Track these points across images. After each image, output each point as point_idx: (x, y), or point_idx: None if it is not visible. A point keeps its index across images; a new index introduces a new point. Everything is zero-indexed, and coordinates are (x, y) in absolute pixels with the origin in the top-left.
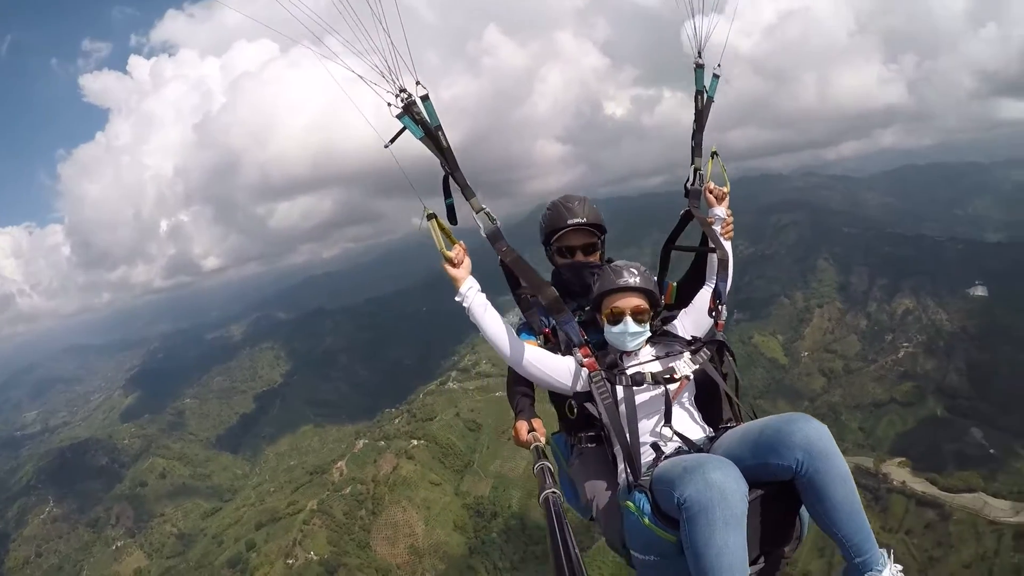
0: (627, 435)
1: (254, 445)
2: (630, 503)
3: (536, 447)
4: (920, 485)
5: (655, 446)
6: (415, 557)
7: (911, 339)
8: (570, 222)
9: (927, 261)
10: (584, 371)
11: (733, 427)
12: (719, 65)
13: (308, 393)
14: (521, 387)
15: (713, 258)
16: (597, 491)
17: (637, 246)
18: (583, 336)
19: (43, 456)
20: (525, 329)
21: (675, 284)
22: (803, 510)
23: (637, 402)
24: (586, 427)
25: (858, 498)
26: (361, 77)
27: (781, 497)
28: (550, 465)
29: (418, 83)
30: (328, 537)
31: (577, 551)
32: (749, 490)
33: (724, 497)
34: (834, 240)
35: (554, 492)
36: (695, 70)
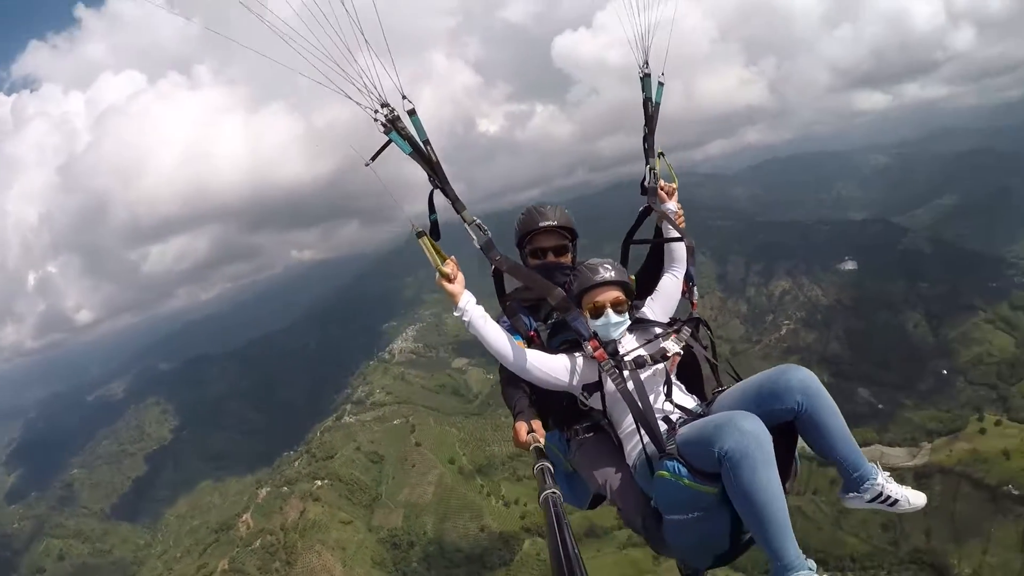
0: (641, 407)
1: (152, 510)
2: (664, 472)
3: (536, 447)
4: None
5: (666, 419)
6: None
7: (791, 316)
8: (542, 224)
9: (798, 244)
10: (580, 363)
11: (722, 391)
12: (663, 74)
13: (201, 447)
14: (521, 387)
15: (671, 248)
16: (608, 476)
17: (516, 259)
18: (591, 330)
19: None
20: (511, 333)
21: (633, 276)
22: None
23: (647, 390)
24: (580, 419)
25: (847, 427)
26: (357, 103)
27: (781, 440)
28: (550, 465)
29: (404, 96)
30: None
31: (577, 551)
32: None
33: (759, 441)
34: (708, 234)
35: (554, 492)
36: (641, 79)
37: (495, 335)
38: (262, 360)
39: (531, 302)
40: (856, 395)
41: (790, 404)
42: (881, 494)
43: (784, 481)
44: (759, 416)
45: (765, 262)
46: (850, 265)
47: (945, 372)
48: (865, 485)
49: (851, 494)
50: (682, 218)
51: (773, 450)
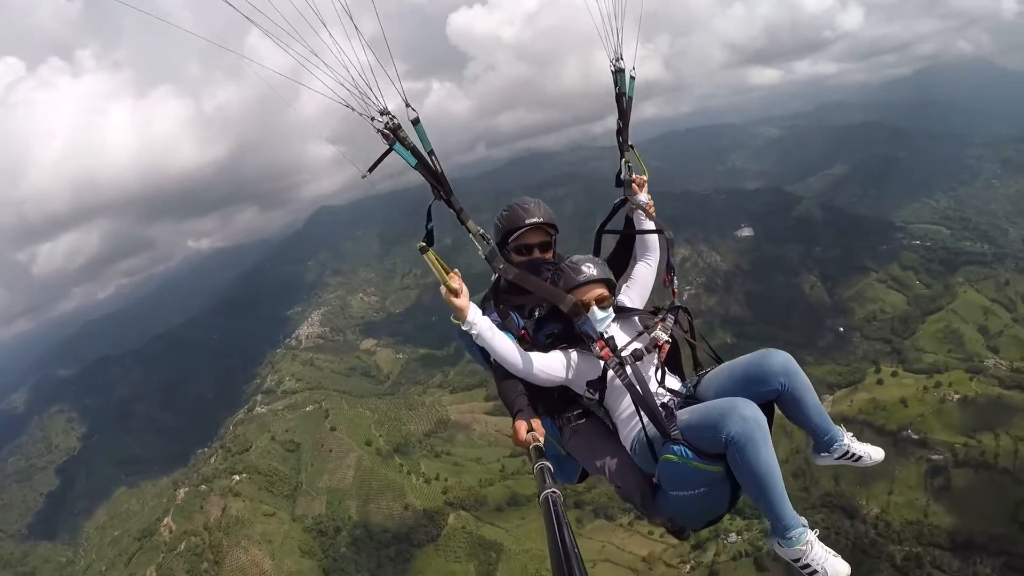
0: (646, 399)
1: (70, 525)
2: (671, 455)
3: (535, 447)
4: None
5: (662, 405)
6: None
7: (692, 282)
8: (528, 221)
9: (696, 213)
10: (575, 358)
11: (706, 373)
12: (634, 68)
13: (112, 453)
14: (520, 387)
15: (643, 237)
16: (606, 459)
17: (421, 235)
18: (599, 331)
19: None
20: (501, 330)
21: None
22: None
23: (642, 373)
24: (570, 406)
25: (817, 398)
26: (354, 110)
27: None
28: (549, 465)
29: (408, 104)
30: None
31: (577, 550)
32: None
33: (759, 424)
34: (610, 205)
35: (554, 492)
36: (614, 74)
37: (503, 344)
38: (166, 356)
39: (517, 303)
40: None
41: (775, 386)
42: (847, 452)
43: None
44: (747, 397)
45: None
46: (747, 232)
47: (842, 329)
48: (834, 446)
49: (822, 454)
50: (653, 208)
51: (768, 428)
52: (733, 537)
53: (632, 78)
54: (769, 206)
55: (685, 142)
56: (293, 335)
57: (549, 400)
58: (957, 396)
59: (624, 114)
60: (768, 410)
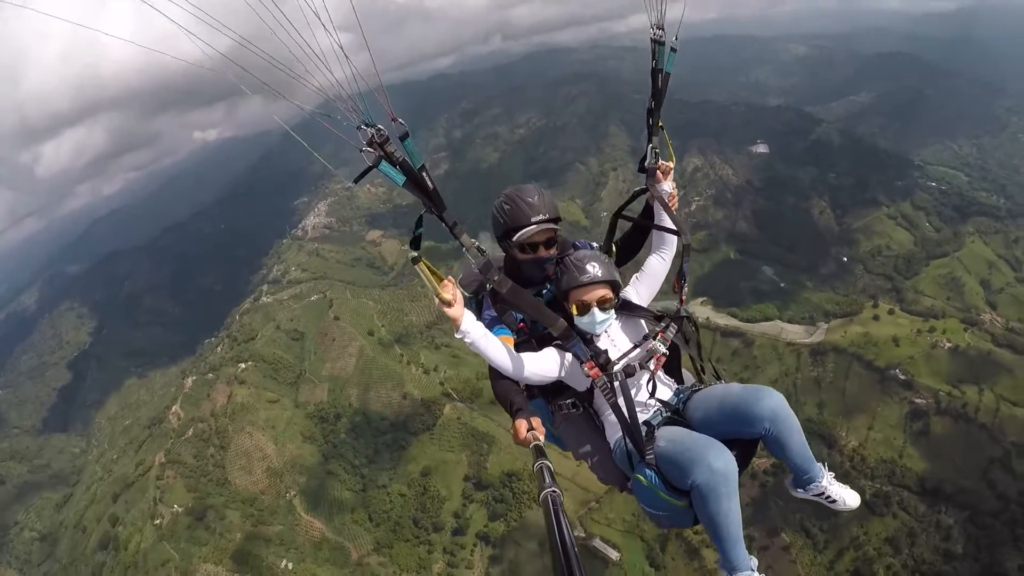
0: (629, 421)
1: (83, 417)
2: (641, 477)
3: (536, 446)
4: (723, 319)
5: (646, 423)
6: (275, 478)
7: (701, 193)
8: (533, 221)
9: (712, 123)
10: (569, 357)
11: (700, 389)
12: (676, 38)
13: (122, 345)
14: (516, 385)
15: (662, 232)
16: (588, 452)
17: (429, 128)
18: (596, 332)
19: None
20: (498, 324)
21: (616, 243)
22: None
23: (631, 389)
24: (563, 394)
25: (804, 438)
26: (330, 126)
27: (745, 444)
28: (549, 464)
29: (394, 119)
30: (186, 485)
31: (576, 549)
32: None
33: (727, 478)
34: (624, 107)
35: (554, 491)
36: (653, 47)
37: (496, 351)
38: (175, 249)
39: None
40: (760, 272)
41: (758, 430)
42: (824, 493)
43: (742, 467)
44: (728, 432)
45: (679, 139)
46: (762, 148)
47: (846, 259)
48: (811, 485)
49: (799, 489)
50: (676, 199)
51: (737, 480)
52: None
53: (673, 51)
54: (788, 125)
55: (708, 50)
56: (299, 226)
57: (545, 385)
58: (949, 344)
59: (658, 93)
60: (751, 444)
